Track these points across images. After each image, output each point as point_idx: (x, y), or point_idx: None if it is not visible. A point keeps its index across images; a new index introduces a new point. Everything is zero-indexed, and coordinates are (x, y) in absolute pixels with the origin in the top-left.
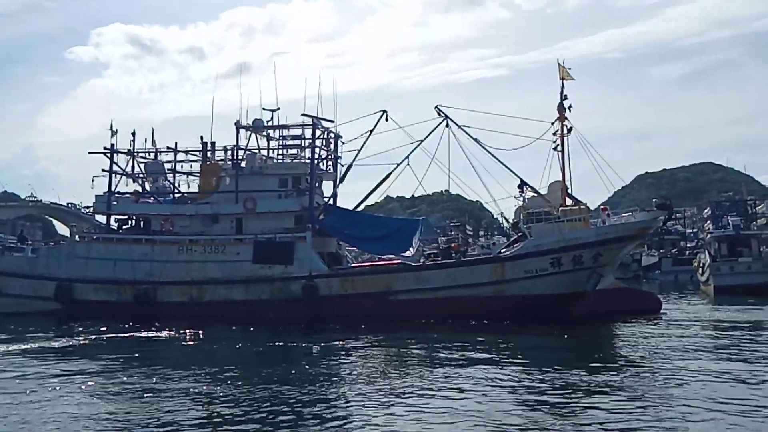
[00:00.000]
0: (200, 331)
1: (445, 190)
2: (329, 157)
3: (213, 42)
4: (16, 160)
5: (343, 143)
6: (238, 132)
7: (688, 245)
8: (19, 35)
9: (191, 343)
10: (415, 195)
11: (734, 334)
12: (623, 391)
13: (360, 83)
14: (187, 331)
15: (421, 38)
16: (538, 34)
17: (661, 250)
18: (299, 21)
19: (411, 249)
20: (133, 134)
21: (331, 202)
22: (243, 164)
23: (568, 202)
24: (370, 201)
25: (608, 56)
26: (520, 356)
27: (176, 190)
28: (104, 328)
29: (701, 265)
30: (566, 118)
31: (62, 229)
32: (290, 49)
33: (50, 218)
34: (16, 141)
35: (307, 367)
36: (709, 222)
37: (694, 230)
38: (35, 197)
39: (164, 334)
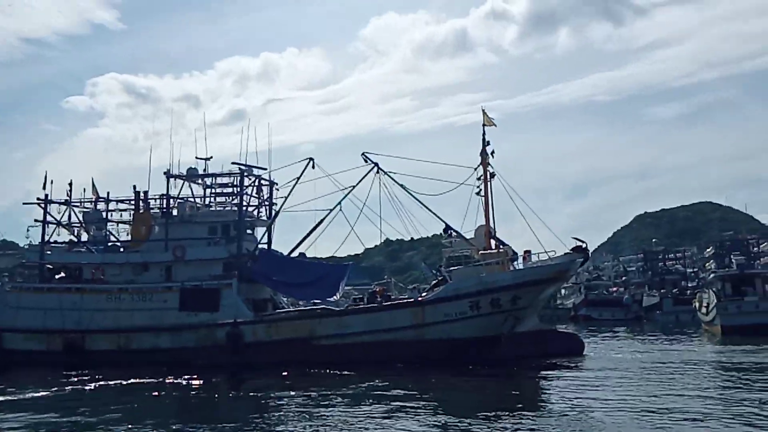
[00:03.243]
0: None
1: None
2: (262, 204)
3: (208, 90)
4: (15, 207)
5: (278, 190)
6: (168, 181)
7: (689, 285)
8: (19, 84)
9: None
10: (414, 237)
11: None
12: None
13: (354, 127)
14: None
15: (413, 84)
16: (527, 79)
17: (662, 290)
18: (292, 69)
19: (337, 294)
20: (70, 184)
21: (266, 248)
22: (174, 212)
23: (493, 245)
24: (369, 244)
25: (599, 98)
26: (438, 401)
27: (109, 239)
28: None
29: (704, 304)
30: (489, 164)
31: None
32: (284, 96)
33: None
34: (16, 188)
35: (227, 418)
36: (711, 261)
37: (695, 270)
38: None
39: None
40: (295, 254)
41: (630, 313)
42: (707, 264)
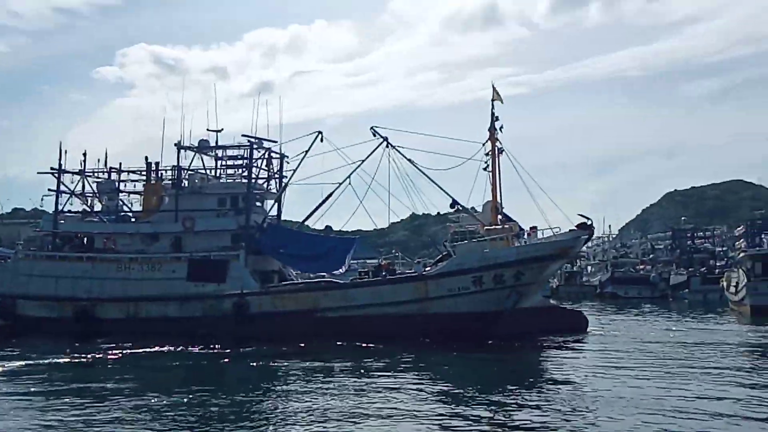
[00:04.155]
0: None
1: (472, 207)
2: (272, 176)
3: (235, 62)
4: (47, 177)
5: (288, 163)
6: (179, 152)
7: (718, 264)
8: (49, 54)
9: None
10: (441, 213)
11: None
12: (540, 408)
13: (381, 101)
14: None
15: (441, 57)
16: (558, 53)
17: (690, 269)
18: (320, 42)
19: (342, 268)
20: (84, 154)
21: (275, 220)
22: (185, 184)
23: (500, 221)
24: (394, 218)
25: (630, 74)
26: (440, 375)
27: (121, 210)
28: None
29: (734, 284)
30: (497, 139)
31: None
32: (312, 69)
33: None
34: (47, 158)
35: (236, 386)
36: (741, 240)
37: (724, 249)
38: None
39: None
40: (320, 227)
41: (657, 291)
42: (737, 243)
